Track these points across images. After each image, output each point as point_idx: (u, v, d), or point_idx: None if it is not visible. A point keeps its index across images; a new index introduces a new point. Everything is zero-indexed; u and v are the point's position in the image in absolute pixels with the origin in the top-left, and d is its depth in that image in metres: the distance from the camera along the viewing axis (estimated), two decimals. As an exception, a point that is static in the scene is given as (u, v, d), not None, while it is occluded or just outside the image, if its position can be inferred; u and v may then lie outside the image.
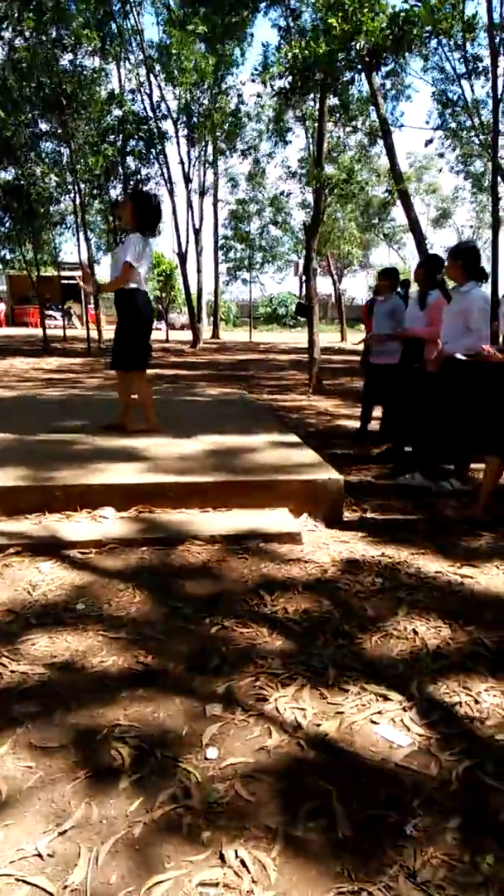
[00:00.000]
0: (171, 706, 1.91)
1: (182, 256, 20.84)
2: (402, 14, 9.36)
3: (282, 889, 1.33)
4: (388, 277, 6.00)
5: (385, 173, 21.27)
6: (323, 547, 3.22)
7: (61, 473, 3.60)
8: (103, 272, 27.34)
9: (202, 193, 22.84)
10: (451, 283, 4.85)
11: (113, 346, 4.85)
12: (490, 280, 7.57)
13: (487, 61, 14.78)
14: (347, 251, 28.02)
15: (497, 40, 14.16)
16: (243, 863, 1.38)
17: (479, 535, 3.46)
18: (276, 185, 30.57)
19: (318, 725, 1.84)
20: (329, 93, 10.41)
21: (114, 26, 18.07)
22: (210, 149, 22.01)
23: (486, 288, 4.98)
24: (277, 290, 45.49)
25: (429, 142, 19.75)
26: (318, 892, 1.32)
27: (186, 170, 20.63)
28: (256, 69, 10.60)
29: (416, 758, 1.72)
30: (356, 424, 6.73)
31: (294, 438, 4.77)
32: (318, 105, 10.91)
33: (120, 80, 19.71)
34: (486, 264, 6.06)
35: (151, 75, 19.34)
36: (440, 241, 54.88)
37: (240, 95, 21.26)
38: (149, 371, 4.88)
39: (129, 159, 18.34)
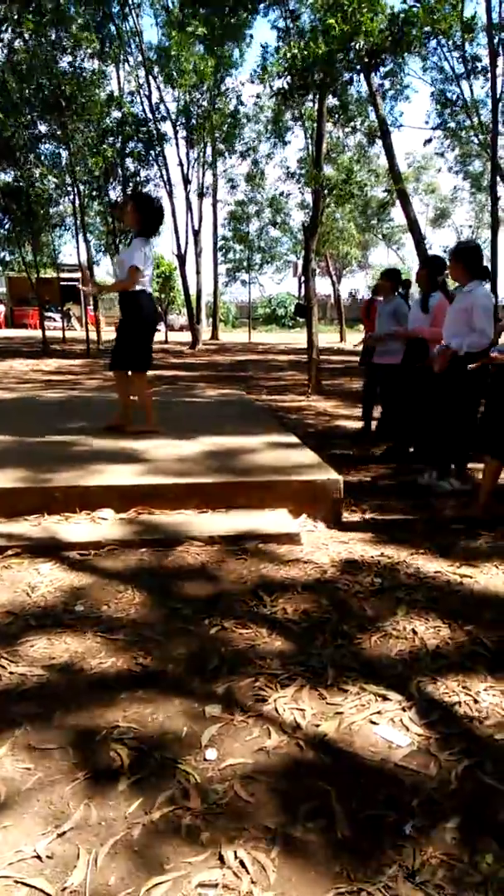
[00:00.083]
0: (171, 707, 1.91)
1: (181, 258, 20.86)
2: (402, 15, 9.38)
3: (281, 890, 1.33)
4: (390, 279, 5.98)
5: (384, 173, 21.28)
6: (322, 547, 3.22)
7: (60, 475, 3.60)
8: (102, 273, 27.34)
9: (201, 195, 22.85)
10: (453, 284, 4.86)
11: (113, 347, 4.86)
12: (489, 280, 7.57)
13: (486, 61, 14.87)
14: (346, 252, 28.04)
15: (496, 40, 14.22)
16: (242, 863, 1.38)
17: (478, 535, 3.46)
18: (276, 185, 30.61)
19: (318, 726, 1.84)
20: (328, 93, 10.40)
21: (112, 28, 18.10)
22: (209, 150, 22.03)
23: (488, 287, 4.96)
24: (276, 291, 45.56)
25: (427, 141, 19.74)
26: (317, 892, 1.32)
27: (185, 171, 20.67)
28: (255, 71, 10.61)
29: (415, 758, 1.72)
30: (355, 425, 6.73)
31: (293, 439, 4.77)
32: (316, 106, 10.91)
33: (119, 82, 19.76)
34: (486, 264, 6.04)
35: (150, 77, 19.38)
36: (439, 242, 54.91)
37: (239, 97, 21.31)
38: (148, 372, 4.88)
39: (129, 161, 18.36)
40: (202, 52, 18.03)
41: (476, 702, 1.96)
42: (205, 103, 19.13)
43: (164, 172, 19.43)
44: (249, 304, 35.63)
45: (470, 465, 4.59)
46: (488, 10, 14.10)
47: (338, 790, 1.59)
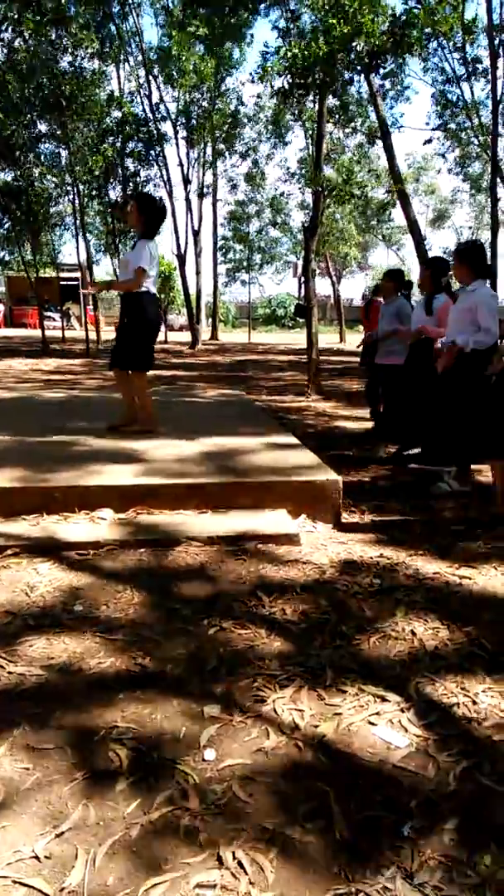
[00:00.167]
0: (169, 708, 1.91)
1: (181, 257, 20.86)
2: (403, 17, 9.38)
3: (279, 890, 1.33)
4: (393, 279, 5.96)
5: (384, 174, 21.29)
6: (321, 548, 3.22)
7: (60, 475, 3.60)
8: (102, 273, 27.32)
9: (201, 195, 22.85)
10: (457, 284, 4.84)
11: (114, 346, 4.86)
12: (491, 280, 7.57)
13: (487, 63, 14.90)
14: (346, 252, 28.04)
15: (496, 42, 14.25)
16: (241, 864, 1.38)
17: (477, 536, 3.46)
18: (276, 186, 30.64)
19: (316, 727, 1.84)
20: (328, 93, 10.40)
21: (113, 28, 18.10)
22: (209, 150, 22.03)
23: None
24: (276, 291, 45.59)
25: (427, 141, 19.75)
26: (315, 893, 1.32)
27: (185, 171, 20.68)
28: (256, 72, 10.61)
29: (413, 759, 1.72)
30: (355, 425, 6.74)
31: (292, 440, 4.77)
32: (317, 106, 10.91)
33: (119, 82, 19.76)
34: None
35: (150, 77, 19.38)
36: (439, 242, 54.97)
37: (239, 97, 21.32)
38: (148, 372, 4.88)
39: (129, 161, 18.35)
40: (202, 52, 18.03)
41: (474, 703, 1.96)
42: (205, 103, 19.14)
43: (164, 172, 19.45)
44: (249, 304, 35.65)
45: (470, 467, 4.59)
46: (489, 12, 14.14)
47: (336, 791, 1.59)
